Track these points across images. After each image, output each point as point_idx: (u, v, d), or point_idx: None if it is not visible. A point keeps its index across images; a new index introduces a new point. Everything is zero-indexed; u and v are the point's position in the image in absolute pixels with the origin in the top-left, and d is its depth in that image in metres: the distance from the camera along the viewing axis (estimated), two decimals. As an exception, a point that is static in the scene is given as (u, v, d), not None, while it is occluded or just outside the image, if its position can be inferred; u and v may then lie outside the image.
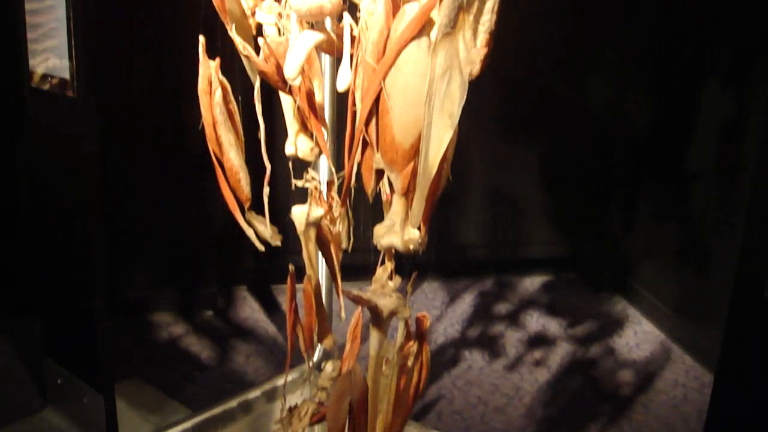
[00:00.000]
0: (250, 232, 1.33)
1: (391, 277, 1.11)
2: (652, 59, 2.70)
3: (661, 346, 2.54)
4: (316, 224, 1.35)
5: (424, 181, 0.96)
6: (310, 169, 1.41)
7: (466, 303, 2.75)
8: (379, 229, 1.05)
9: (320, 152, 1.31)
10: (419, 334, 1.15)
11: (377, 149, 0.98)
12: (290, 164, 1.32)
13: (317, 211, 1.34)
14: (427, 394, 2.18)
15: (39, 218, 1.92)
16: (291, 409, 1.42)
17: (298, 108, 1.27)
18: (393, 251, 1.08)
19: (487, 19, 0.91)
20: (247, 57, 1.15)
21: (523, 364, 2.39)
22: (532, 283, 2.93)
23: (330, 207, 1.35)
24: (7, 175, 2.35)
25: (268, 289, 2.75)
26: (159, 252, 2.57)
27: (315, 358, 2.07)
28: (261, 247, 1.33)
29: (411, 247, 1.05)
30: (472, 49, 0.92)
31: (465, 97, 0.92)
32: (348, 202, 1.11)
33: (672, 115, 2.65)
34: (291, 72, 1.06)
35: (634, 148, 2.80)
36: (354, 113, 1.02)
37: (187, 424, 1.86)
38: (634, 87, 2.76)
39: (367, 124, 0.96)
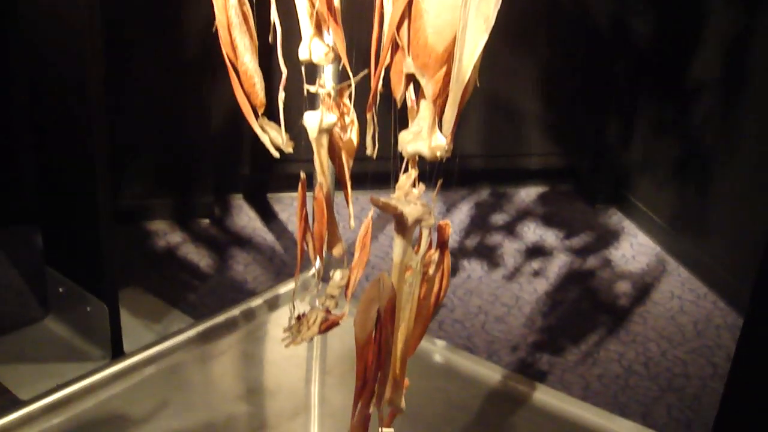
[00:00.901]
0: (264, 138, 1.30)
1: (414, 185, 1.09)
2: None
3: (657, 259, 2.56)
4: (329, 131, 1.32)
5: (458, 87, 0.93)
6: (323, 74, 1.38)
7: (463, 213, 2.74)
8: (405, 136, 1.03)
9: (335, 57, 1.28)
10: (441, 242, 1.14)
11: (408, 53, 0.95)
12: (303, 70, 1.29)
13: (330, 118, 1.32)
14: (427, 303, 2.19)
15: (38, 121, 1.88)
16: (299, 317, 1.42)
17: (315, 11, 1.23)
18: (417, 158, 1.06)
19: None
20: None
21: (521, 274, 2.41)
22: (528, 194, 2.93)
23: (342, 114, 1.33)
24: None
25: (264, 198, 2.73)
26: (153, 160, 2.54)
27: (315, 269, 2.07)
28: (275, 153, 1.30)
29: (438, 153, 1.03)
30: (509, -52, 0.88)
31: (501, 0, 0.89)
32: (374, 107, 1.09)
33: (673, 22, 2.61)
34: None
35: (634, 57, 2.77)
36: (382, 15, 0.99)
37: (191, 332, 1.87)
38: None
39: (398, 27, 0.93)
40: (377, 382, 1.07)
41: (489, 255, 2.50)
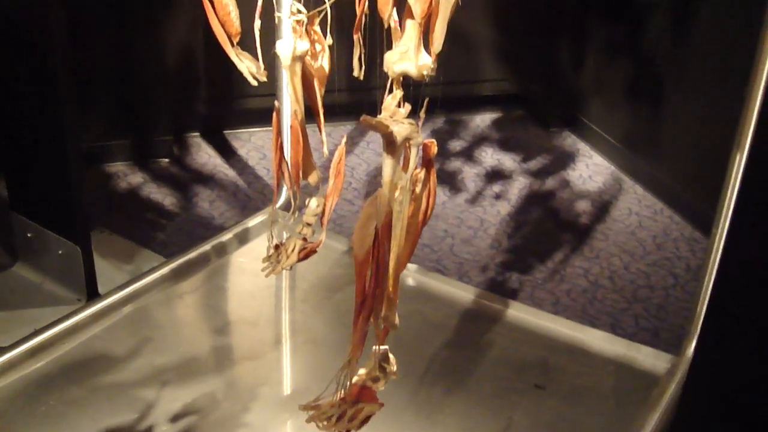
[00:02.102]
0: (242, 66, 1.30)
1: (400, 105, 1.11)
2: None
3: (612, 178, 2.62)
4: (302, 58, 1.33)
5: (446, 3, 0.94)
6: (294, 2, 1.37)
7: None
8: (391, 56, 1.04)
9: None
10: (426, 160, 1.16)
11: (396, -29, 0.95)
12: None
13: (303, 45, 1.32)
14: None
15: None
16: (277, 246, 1.44)
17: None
18: (401, 79, 1.08)
19: None
20: None
21: (483, 197, 2.44)
22: (482, 120, 2.95)
23: (312, 41, 1.34)
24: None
25: (221, 135, 2.72)
26: (108, 101, 2.50)
27: (278, 204, 2.09)
28: (254, 82, 1.30)
29: (425, 72, 1.05)
30: None
31: None
32: (361, 29, 1.09)
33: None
34: None
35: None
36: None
37: (165, 270, 1.87)
38: None
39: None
40: (375, 298, 1.09)
41: (450, 180, 2.53)
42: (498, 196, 2.45)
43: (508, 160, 2.67)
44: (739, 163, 1.47)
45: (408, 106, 1.12)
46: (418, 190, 1.18)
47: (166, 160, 2.55)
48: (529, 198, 2.45)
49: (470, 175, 2.57)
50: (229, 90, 2.70)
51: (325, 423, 1.07)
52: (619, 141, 2.70)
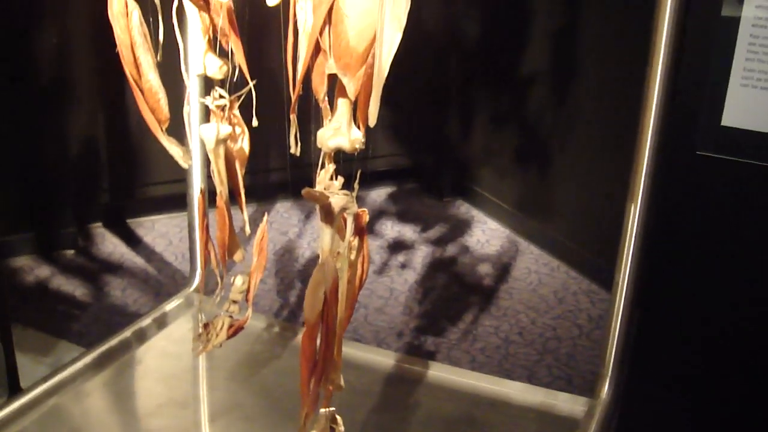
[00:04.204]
0: (174, 152, 1.36)
1: (332, 178, 1.19)
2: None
3: (508, 240, 2.76)
4: (225, 142, 1.40)
5: (379, 81, 1.03)
6: (217, 87, 1.45)
7: (322, 219, 2.84)
8: (325, 132, 1.12)
9: (228, 70, 1.35)
10: (359, 228, 1.24)
11: (330, 55, 1.04)
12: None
13: (226, 129, 1.39)
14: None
15: None
16: (206, 326, 1.48)
17: (213, 26, 1.30)
18: (332, 154, 1.16)
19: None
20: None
21: (389, 268, 2.53)
22: (378, 194, 3.06)
23: (233, 125, 1.41)
24: None
25: (124, 223, 2.73)
26: (9, 195, 2.49)
27: (194, 285, 2.11)
28: (186, 165, 1.36)
29: (357, 146, 1.13)
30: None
31: (410, 2, 1.01)
32: (295, 108, 1.17)
33: (502, 21, 2.82)
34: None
35: (465, 54, 2.96)
36: (296, 23, 1.08)
37: (88, 359, 1.86)
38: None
39: (321, 32, 1.03)
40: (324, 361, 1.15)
41: (356, 254, 2.60)
42: (404, 266, 2.54)
43: (408, 231, 2.78)
44: (634, 214, 1.60)
45: (341, 179, 1.20)
46: (353, 257, 1.26)
47: (72, 251, 2.54)
48: (433, 265, 2.55)
49: (374, 247, 2.66)
50: (130, 179, 2.72)
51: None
52: (511, 206, 2.85)
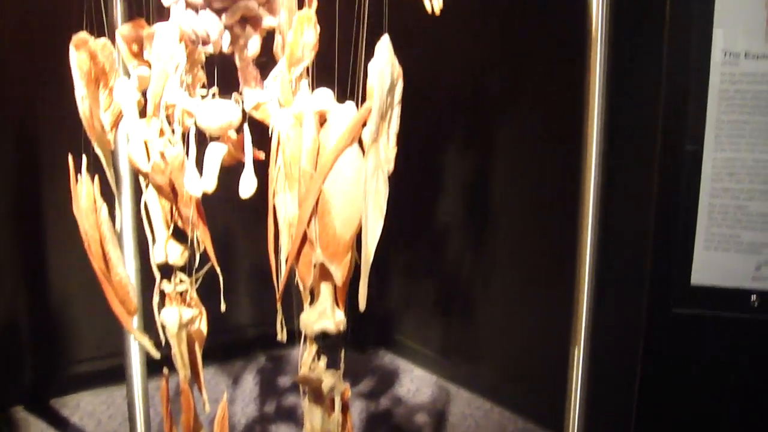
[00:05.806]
0: (144, 341, 1.37)
1: (316, 358, 1.23)
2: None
3: (437, 387, 2.80)
4: (187, 326, 1.43)
5: (365, 266, 1.09)
6: (178, 272, 1.47)
7: (250, 381, 2.83)
8: (310, 316, 1.17)
9: (189, 256, 1.40)
10: (343, 404, 1.27)
11: (317, 245, 1.10)
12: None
13: (189, 313, 1.42)
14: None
15: None
16: None
17: (179, 215, 1.34)
18: (314, 336, 1.21)
19: (396, 124, 1.07)
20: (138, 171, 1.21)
21: (328, 427, 2.52)
22: (298, 354, 3.06)
23: (190, 307, 1.44)
24: None
25: (47, 405, 2.64)
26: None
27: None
28: (156, 354, 1.37)
29: (341, 328, 1.18)
30: (387, 150, 1.08)
31: (388, 190, 1.08)
32: (280, 295, 1.21)
33: (416, 173, 2.94)
34: (210, 184, 1.14)
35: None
36: (275, 215, 1.14)
37: None
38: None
39: (308, 223, 1.08)
40: None
41: (289, 414, 2.59)
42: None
43: (338, 386, 2.78)
44: (578, 357, 1.68)
45: (324, 358, 1.24)
46: (338, 432, 1.28)
47: (-5, 441, 2.44)
48: (369, 419, 2.56)
49: (308, 406, 2.65)
50: (50, 358, 2.65)
51: None
52: (436, 352, 2.90)
